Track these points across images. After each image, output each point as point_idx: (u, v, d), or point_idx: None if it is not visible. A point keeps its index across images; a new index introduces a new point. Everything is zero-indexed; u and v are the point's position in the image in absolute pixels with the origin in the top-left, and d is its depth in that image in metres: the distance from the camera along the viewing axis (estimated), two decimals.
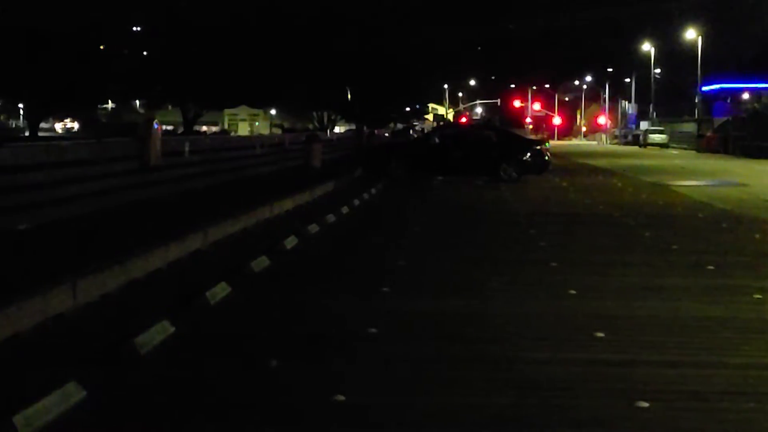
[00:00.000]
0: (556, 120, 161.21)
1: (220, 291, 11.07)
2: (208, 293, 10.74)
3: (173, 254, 13.36)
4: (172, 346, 8.80)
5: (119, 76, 71.06)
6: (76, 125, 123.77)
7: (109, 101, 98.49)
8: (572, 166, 49.48)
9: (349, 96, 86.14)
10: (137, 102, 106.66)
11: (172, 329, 9.18)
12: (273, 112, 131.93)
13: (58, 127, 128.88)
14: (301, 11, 75.97)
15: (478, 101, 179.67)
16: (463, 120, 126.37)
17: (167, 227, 14.90)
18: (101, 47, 72.11)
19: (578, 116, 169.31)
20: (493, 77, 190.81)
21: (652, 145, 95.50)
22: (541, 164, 35.28)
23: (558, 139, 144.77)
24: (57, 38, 61.53)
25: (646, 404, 7.03)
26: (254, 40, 72.34)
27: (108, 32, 70.55)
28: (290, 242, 15.62)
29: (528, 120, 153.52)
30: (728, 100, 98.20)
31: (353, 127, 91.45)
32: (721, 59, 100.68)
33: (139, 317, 9.41)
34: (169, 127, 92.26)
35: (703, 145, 78.83)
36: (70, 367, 7.70)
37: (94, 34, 67.71)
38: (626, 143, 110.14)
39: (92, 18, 65.06)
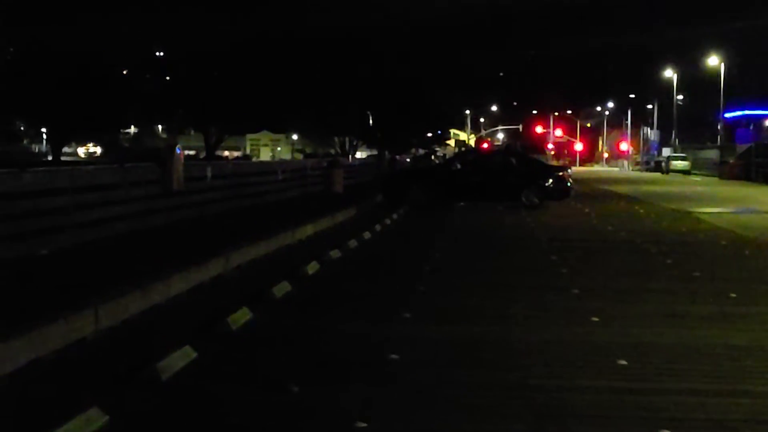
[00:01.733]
0: (578, 146, 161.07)
1: (242, 316, 11.09)
2: (229, 318, 10.76)
3: (195, 279, 13.40)
4: (194, 371, 8.82)
5: (141, 101, 71.31)
6: (98, 150, 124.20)
7: (132, 126, 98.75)
8: (594, 192, 49.39)
9: (370, 121, 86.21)
10: (159, 127, 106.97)
11: (194, 354, 9.20)
12: (295, 137, 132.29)
13: (81, 151, 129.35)
14: (323, 36, 76.15)
15: (499, 127, 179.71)
16: (485, 146, 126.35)
17: (189, 252, 14.94)
18: (123, 71, 72.44)
19: (600, 142, 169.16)
20: (515, 103, 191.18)
21: (675, 171, 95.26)
22: (562, 190, 35.24)
23: (580, 165, 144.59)
24: (80, 62, 61.82)
25: None
26: (276, 64, 72.55)
27: (130, 56, 70.88)
28: (312, 268, 15.64)
29: (550, 146, 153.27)
30: (751, 127, 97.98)
31: (375, 152, 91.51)
32: (744, 86, 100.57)
33: (160, 342, 9.44)
34: (191, 152, 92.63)
35: (725, 171, 78.57)
36: (92, 392, 7.72)
37: (116, 59, 68.04)
38: (648, 170, 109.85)
39: (115, 42, 65.39)
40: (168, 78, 77.45)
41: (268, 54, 72.45)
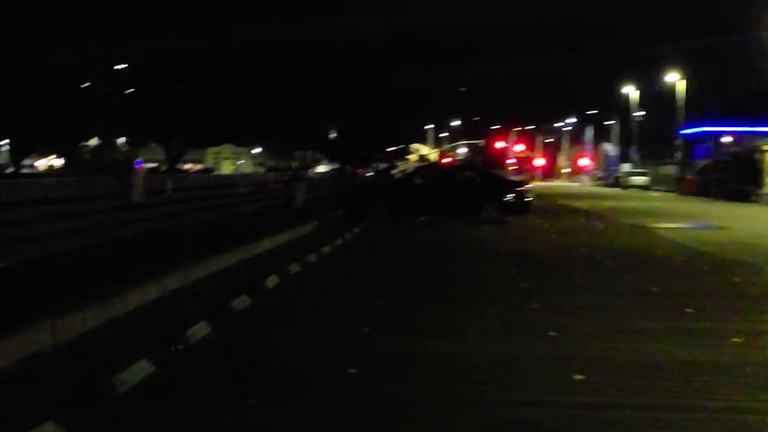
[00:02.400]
0: (539, 161, 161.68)
1: (201, 330, 11.08)
2: (188, 332, 10.75)
3: (154, 292, 13.37)
4: (152, 385, 8.80)
5: (103, 114, 71.04)
6: (59, 162, 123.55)
7: (93, 139, 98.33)
8: (554, 207, 49.57)
9: (332, 135, 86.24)
10: (121, 140, 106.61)
11: (152, 368, 9.18)
12: (257, 150, 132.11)
13: (42, 164, 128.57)
14: (286, 50, 76.17)
15: (461, 142, 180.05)
16: (446, 160, 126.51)
17: (148, 265, 14.91)
18: (85, 84, 72.16)
19: (560, 158, 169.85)
20: (476, 118, 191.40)
21: (634, 187, 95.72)
22: (523, 205, 35.35)
23: (541, 180, 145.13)
24: (41, 75, 61.53)
25: None
26: (238, 79, 72.47)
27: (92, 69, 70.60)
28: (272, 281, 15.64)
29: (510, 161, 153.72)
30: (709, 143, 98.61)
31: (337, 166, 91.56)
32: (703, 103, 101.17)
33: (118, 356, 9.41)
34: (153, 165, 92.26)
35: (684, 187, 79.09)
36: (48, 407, 7.69)
37: (78, 72, 67.76)
38: (608, 185, 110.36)
39: (76, 55, 65.11)
40: (130, 91, 77.21)
41: (231, 68, 72.38)
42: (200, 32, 72.86)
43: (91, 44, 65.86)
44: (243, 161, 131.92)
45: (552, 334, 11.55)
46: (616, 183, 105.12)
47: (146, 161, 31.18)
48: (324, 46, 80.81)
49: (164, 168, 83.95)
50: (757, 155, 65.71)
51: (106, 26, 66.02)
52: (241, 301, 13.28)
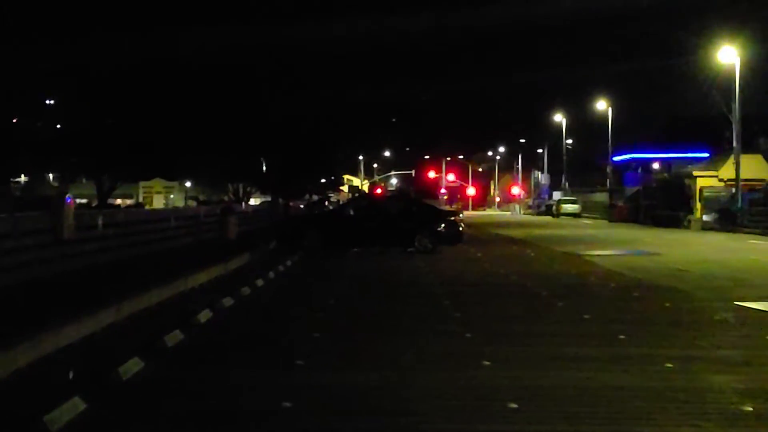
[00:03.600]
0: (470, 190, 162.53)
1: (133, 366, 10.99)
2: (120, 369, 10.66)
3: (86, 329, 13.25)
4: (83, 423, 8.71)
5: (32, 149, 70.33)
6: None
7: (22, 175, 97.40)
8: (486, 236, 49.81)
9: (264, 167, 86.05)
10: (51, 175, 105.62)
11: (84, 406, 9.09)
12: (188, 184, 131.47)
13: None
14: (212, 75, 75.91)
15: (393, 172, 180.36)
16: (378, 191, 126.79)
17: (80, 301, 14.78)
18: (13, 120, 71.44)
19: (492, 186, 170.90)
20: (407, 148, 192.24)
21: (565, 215, 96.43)
22: (455, 235, 35.46)
23: (472, 209, 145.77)
24: None
25: None
26: (167, 112, 72.12)
27: (20, 104, 69.93)
28: (204, 316, 15.56)
29: (442, 191, 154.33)
30: (639, 170, 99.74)
31: (269, 198, 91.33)
32: (632, 129, 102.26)
33: (50, 394, 9.31)
34: (83, 201, 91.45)
35: (614, 214, 79.89)
36: None
37: (5, 106, 67.08)
38: (540, 213, 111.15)
39: (3, 89, 64.42)
40: (59, 126, 76.51)
41: (159, 100, 72.04)
42: (126, 58, 72.32)
43: (17, 77, 65.17)
44: (174, 195, 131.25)
45: (486, 363, 11.59)
46: (548, 211, 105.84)
47: (76, 197, 30.95)
48: (251, 68, 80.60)
49: (95, 203, 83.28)
50: (686, 181, 66.58)
51: (29, 59, 65.35)
52: (174, 336, 13.20)
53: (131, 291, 16.54)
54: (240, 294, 19.22)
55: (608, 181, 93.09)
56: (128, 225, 29.23)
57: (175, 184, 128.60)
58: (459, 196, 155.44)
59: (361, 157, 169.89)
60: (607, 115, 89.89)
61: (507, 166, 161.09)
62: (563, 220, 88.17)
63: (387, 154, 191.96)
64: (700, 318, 16.02)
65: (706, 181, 65.87)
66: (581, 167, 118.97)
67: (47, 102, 75.81)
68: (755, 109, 72.48)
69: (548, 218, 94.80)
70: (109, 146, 68.95)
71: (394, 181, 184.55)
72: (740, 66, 57.79)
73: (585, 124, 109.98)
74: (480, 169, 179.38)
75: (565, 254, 33.20)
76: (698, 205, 64.49)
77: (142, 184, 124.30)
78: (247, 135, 78.41)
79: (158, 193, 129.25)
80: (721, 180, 64.84)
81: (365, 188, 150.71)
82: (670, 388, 10.26)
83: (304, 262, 29.75)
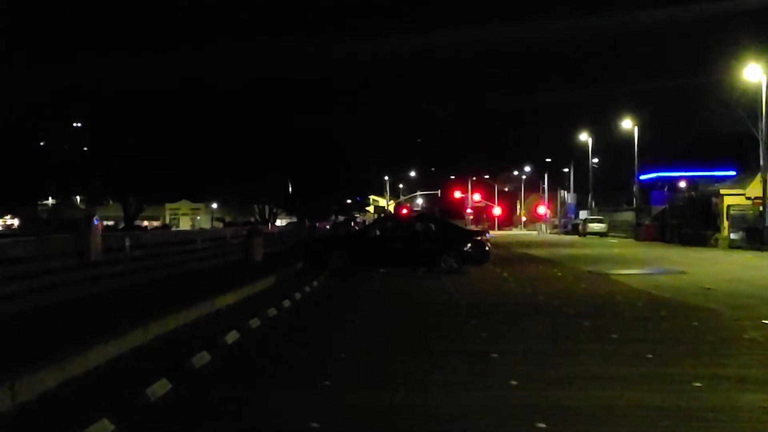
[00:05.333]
0: (496, 210, 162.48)
1: (160, 388, 11.02)
2: (148, 390, 10.69)
3: (113, 351, 13.29)
4: None
5: (59, 172, 70.68)
6: (16, 222, 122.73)
7: (50, 197, 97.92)
8: (513, 256, 49.72)
9: (290, 188, 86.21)
10: (78, 198, 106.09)
11: (112, 427, 9.12)
12: (214, 205, 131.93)
13: None
14: (239, 100, 76.14)
15: (418, 192, 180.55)
16: (404, 211, 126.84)
17: (108, 323, 14.83)
18: (41, 143, 71.83)
19: (518, 206, 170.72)
20: (432, 168, 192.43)
21: (592, 234, 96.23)
22: (481, 254, 35.43)
23: (498, 229, 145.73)
24: None
25: None
26: (194, 134, 72.36)
27: (47, 127, 70.29)
28: (231, 337, 15.58)
29: (468, 210, 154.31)
30: (665, 189, 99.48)
31: (295, 220, 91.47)
32: (658, 148, 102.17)
33: (78, 416, 9.34)
34: (110, 223, 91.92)
35: (641, 233, 79.64)
36: None
37: (33, 129, 67.45)
38: (566, 232, 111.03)
39: (30, 112, 64.79)
40: (86, 149, 76.89)
41: (186, 123, 72.27)
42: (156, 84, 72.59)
43: (44, 100, 65.50)
44: (200, 217, 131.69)
45: (513, 382, 11.57)
46: (574, 230, 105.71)
47: (103, 219, 31.18)
48: (284, 100, 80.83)
49: (122, 225, 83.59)
50: (713, 199, 66.30)
51: (56, 82, 65.70)
52: (201, 358, 13.22)
53: (158, 313, 16.58)
54: (267, 315, 19.24)
55: (634, 200, 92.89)
56: (155, 247, 29.32)
57: (201, 205, 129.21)
58: (485, 215, 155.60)
59: (386, 178, 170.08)
60: (633, 134, 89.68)
61: (533, 185, 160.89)
62: (590, 239, 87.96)
63: (412, 174, 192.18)
64: (727, 337, 15.94)
65: (733, 199, 65.53)
66: (607, 186, 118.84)
67: (74, 124, 76.22)
68: None
69: (575, 237, 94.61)
70: (134, 168, 69.24)
71: (419, 201, 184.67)
72: (766, 83, 57.59)
73: (611, 143, 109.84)
74: (506, 189, 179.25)
75: (591, 273, 33.10)
76: (725, 224, 64.19)
77: (168, 205, 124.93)
78: (272, 156, 78.61)
79: (184, 214, 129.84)
80: (748, 198, 64.47)
81: (391, 209, 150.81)
82: (698, 407, 10.22)
83: (330, 283, 29.76)
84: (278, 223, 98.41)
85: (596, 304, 21.98)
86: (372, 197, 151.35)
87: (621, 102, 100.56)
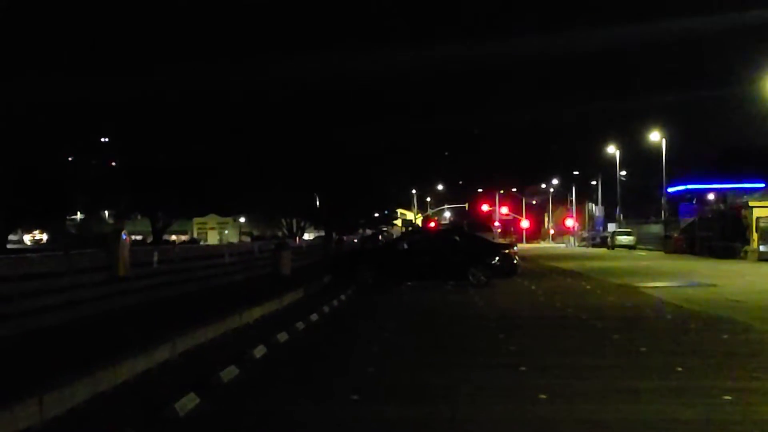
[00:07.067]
0: (524, 223, 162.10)
1: (189, 402, 11.02)
2: (176, 404, 10.69)
3: (141, 365, 13.32)
4: None
5: (87, 187, 70.97)
6: (45, 237, 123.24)
7: (78, 212, 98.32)
8: (541, 269, 49.59)
9: (317, 202, 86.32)
10: (106, 213, 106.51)
11: None
12: (242, 219, 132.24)
13: (27, 239, 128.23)
14: (265, 115, 76.37)
15: (446, 206, 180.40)
16: (432, 225, 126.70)
17: (135, 338, 14.86)
18: (68, 158, 72.13)
19: (546, 219, 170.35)
20: (460, 182, 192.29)
21: (620, 246, 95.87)
22: (509, 268, 35.41)
23: (526, 242, 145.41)
24: (24, 149, 61.40)
25: None
26: (222, 148, 72.60)
27: (76, 142, 70.58)
28: (259, 351, 15.58)
29: (496, 224, 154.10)
30: (694, 201, 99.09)
31: (322, 233, 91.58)
32: (686, 160, 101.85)
33: (107, 430, 9.34)
34: (138, 237, 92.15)
35: (670, 246, 79.27)
36: None
37: (61, 145, 67.73)
38: (594, 245, 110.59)
39: (59, 128, 65.04)
40: (114, 164, 77.23)
41: (213, 138, 72.53)
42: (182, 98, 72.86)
43: (72, 116, 65.74)
44: (228, 231, 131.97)
45: (542, 396, 11.52)
46: (603, 243, 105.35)
47: (132, 233, 31.27)
48: (307, 118, 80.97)
49: (150, 240, 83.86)
50: (742, 212, 65.95)
51: (83, 95, 65.90)
52: (230, 372, 13.23)
53: (186, 327, 16.61)
54: (294, 329, 19.23)
55: (663, 212, 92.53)
56: (183, 261, 29.40)
57: (229, 219, 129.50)
58: (513, 228, 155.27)
59: (414, 191, 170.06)
60: (661, 146, 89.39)
61: (561, 198, 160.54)
62: (618, 252, 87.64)
63: (440, 187, 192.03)
64: (757, 349, 15.85)
65: (762, 211, 65.08)
66: (635, 199, 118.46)
67: (101, 139, 76.59)
68: None
69: (603, 250, 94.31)
70: (162, 183, 69.52)
71: (447, 214, 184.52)
72: None
73: (639, 156, 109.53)
74: (533, 202, 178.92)
75: (620, 286, 32.97)
76: (755, 236, 63.82)
77: (196, 220, 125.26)
78: (301, 170, 78.75)
79: (212, 228, 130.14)
80: None
81: (419, 222, 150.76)
82: (728, 420, 10.15)
83: (358, 297, 29.75)
84: (305, 236, 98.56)
85: (625, 317, 21.90)
86: (400, 210, 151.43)
87: (649, 114, 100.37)
